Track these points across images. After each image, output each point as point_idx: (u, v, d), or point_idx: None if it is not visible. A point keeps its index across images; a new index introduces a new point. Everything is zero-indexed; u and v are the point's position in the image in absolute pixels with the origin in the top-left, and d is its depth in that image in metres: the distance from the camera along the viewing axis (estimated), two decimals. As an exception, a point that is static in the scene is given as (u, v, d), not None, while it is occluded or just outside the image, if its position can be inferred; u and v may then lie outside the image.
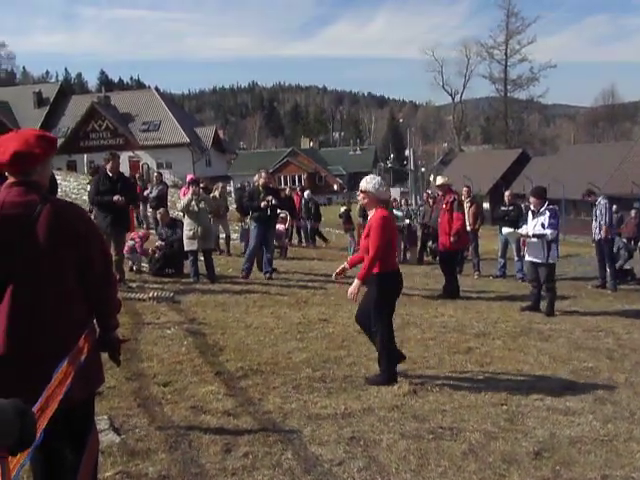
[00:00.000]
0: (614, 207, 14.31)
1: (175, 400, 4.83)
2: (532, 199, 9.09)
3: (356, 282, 5.51)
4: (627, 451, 4.27)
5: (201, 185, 14.40)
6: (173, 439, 4.10)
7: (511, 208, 12.41)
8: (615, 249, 12.27)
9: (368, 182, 5.67)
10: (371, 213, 5.75)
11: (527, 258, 9.24)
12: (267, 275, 11.03)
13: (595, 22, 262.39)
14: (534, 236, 8.80)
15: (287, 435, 4.28)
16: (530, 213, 9.23)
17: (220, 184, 16.74)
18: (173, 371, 5.55)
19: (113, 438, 4.04)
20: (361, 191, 5.69)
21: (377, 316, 5.63)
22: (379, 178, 5.86)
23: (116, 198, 8.83)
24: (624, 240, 13.42)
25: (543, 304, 9.09)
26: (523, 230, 9.10)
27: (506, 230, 9.87)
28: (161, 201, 14.53)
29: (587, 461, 4.08)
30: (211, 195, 15.11)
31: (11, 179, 2.70)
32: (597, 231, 11.64)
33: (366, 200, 5.70)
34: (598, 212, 11.58)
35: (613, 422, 4.76)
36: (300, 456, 3.96)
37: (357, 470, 3.81)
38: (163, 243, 10.92)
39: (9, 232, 2.59)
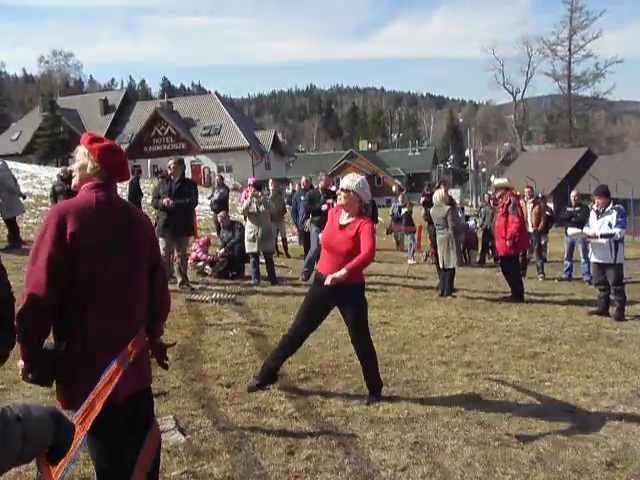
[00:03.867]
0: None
1: (238, 401, 4.88)
2: (597, 198, 8.78)
3: (344, 272, 4.70)
4: None
5: (271, 187, 14.63)
6: (237, 440, 4.13)
7: (577, 209, 12.02)
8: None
9: (352, 180, 5.08)
10: (348, 216, 5.09)
11: (593, 260, 8.93)
12: (327, 277, 11.01)
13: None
14: (602, 236, 8.50)
15: (349, 439, 4.26)
16: (594, 213, 8.92)
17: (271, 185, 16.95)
18: (236, 372, 5.61)
19: (178, 438, 4.11)
20: (342, 189, 5.07)
21: (365, 328, 5.25)
22: (363, 177, 5.25)
23: (166, 201, 9.04)
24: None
25: (612, 308, 8.76)
26: (589, 230, 8.79)
27: (572, 231, 9.56)
28: (222, 204, 14.72)
29: (664, 473, 3.90)
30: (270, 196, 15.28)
31: (101, 184, 2.81)
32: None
33: (346, 200, 5.05)
34: None
35: (691, 433, 4.54)
36: (363, 460, 3.94)
37: (421, 476, 3.76)
38: (225, 249, 11.09)
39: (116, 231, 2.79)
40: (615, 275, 8.65)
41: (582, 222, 10.24)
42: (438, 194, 10.20)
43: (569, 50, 65.82)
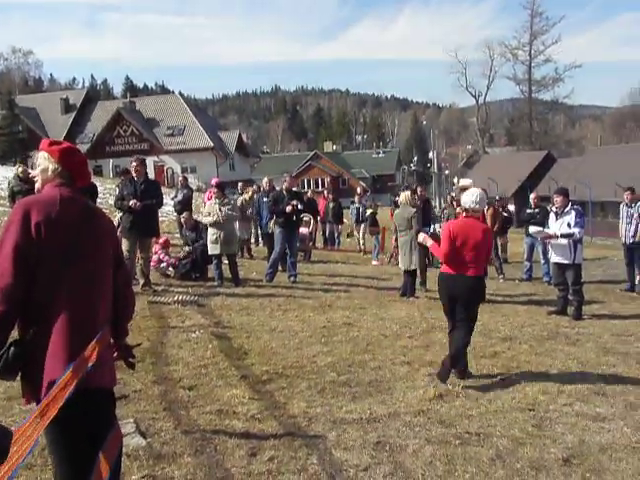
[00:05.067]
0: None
1: (200, 404, 4.85)
2: (556, 199, 8.99)
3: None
4: (659, 458, 4.18)
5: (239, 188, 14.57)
6: (199, 443, 4.11)
7: (537, 210, 12.25)
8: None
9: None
10: None
11: (553, 260, 9.11)
12: (291, 279, 11.03)
13: (623, 21, 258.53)
14: (562, 236, 8.69)
15: (312, 440, 4.26)
16: (553, 214, 9.12)
17: (251, 187, 16.86)
18: (198, 375, 5.57)
19: (139, 442, 4.06)
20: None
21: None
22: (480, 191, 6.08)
23: (132, 202, 8.93)
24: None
25: (570, 308, 8.96)
26: (550, 230, 8.98)
27: (533, 229, 9.72)
28: (186, 205, 14.60)
29: (618, 469, 4.00)
30: (242, 197, 15.23)
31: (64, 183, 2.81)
32: (630, 234, 11.41)
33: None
34: (635, 214, 11.34)
35: (644, 428, 4.66)
36: (325, 461, 3.95)
37: (383, 476, 3.79)
38: (189, 248, 11.00)
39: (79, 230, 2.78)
40: (574, 275, 8.85)
41: (541, 223, 10.44)
42: (404, 196, 10.26)
43: (530, 55, 67.25)
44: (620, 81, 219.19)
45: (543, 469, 3.95)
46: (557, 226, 8.85)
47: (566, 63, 66.81)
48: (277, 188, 12.77)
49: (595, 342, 7.36)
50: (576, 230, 8.66)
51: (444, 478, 3.79)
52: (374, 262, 16.46)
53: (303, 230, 14.73)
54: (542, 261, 12.46)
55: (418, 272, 10.36)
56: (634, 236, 11.38)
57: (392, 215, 14.82)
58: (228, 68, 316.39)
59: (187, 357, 6.09)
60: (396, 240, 10.23)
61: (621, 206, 11.86)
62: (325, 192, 20.30)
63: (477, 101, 74.66)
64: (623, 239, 11.66)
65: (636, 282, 11.55)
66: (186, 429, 4.32)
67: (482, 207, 6.13)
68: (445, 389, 5.42)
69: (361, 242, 18.68)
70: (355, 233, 19.20)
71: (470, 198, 5.94)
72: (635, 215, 11.37)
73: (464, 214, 6.08)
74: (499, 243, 14.11)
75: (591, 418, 4.85)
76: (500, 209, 15.06)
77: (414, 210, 9.99)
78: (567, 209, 8.86)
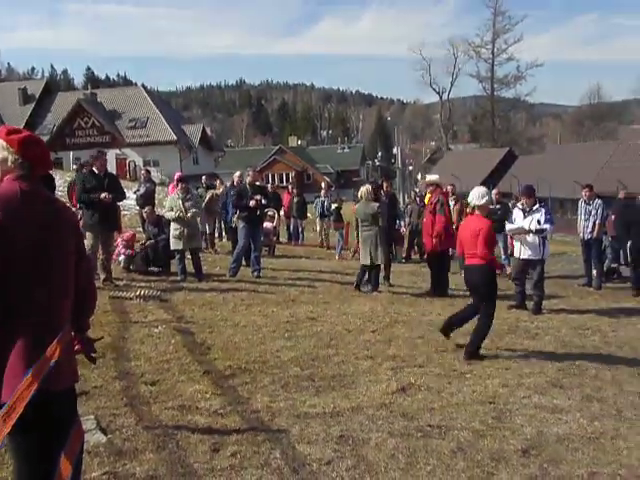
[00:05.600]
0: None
1: (163, 399, 4.81)
2: (524, 198, 9.17)
3: None
4: (614, 448, 4.30)
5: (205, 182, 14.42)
6: (161, 439, 4.07)
7: (498, 207, 12.45)
8: (602, 248, 12.35)
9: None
10: None
11: (523, 256, 9.20)
12: (255, 273, 10.99)
13: (583, 21, 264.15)
14: (536, 231, 8.89)
15: (275, 434, 4.26)
16: (520, 211, 9.26)
17: (222, 184, 16.76)
18: (161, 370, 5.52)
19: (100, 438, 4.01)
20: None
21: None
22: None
23: (104, 195, 8.78)
24: (609, 239, 13.47)
25: (530, 303, 9.14)
26: (525, 225, 9.09)
27: (510, 227, 9.80)
28: (148, 199, 14.40)
29: (575, 459, 4.10)
30: (213, 192, 15.13)
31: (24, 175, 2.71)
32: (587, 230, 11.68)
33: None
34: (593, 211, 11.61)
35: (600, 420, 4.79)
36: (288, 455, 3.95)
37: (346, 469, 3.80)
38: (149, 243, 10.87)
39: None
40: (540, 270, 9.07)
41: (502, 220, 10.62)
42: (364, 190, 10.24)
43: (492, 53, 68.06)
44: (579, 81, 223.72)
45: (503, 460, 4.02)
46: (527, 223, 9.03)
47: (528, 62, 67.82)
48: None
49: (554, 336, 7.52)
50: (547, 226, 8.92)
51: (406, 471, 3.82)
52: (337, 257, 16.52)
53: (267, 225, 14.69)
54: (503, 257, 12.66)
55: (382, 266, 10.43)
56: (592, 232, 11.65)
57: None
58: (192, 60, 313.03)
59: (149, 352, 6.03)
60: (357, 236, 10.22)
61: (580, 203, 12.13)
62: (290, 187, 20.26)
63: (441, 98, 75.37)
64: (581, 235, 11.93)
65: (593, 277, 11.83)
66: (148, 425, 4.28)
67: (487, 202, 6.77)
68: (407, 383, 5.47)
69: (323, 237, 18.68)
70: (318, 228, 19.18)
71: (474, 195, 6.68)
72: (593, 212, 11.64)
73: (469, 210, 6.87)
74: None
75: (549, 410, 4.95)
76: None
77: (377, 205, 10.02)
78: (535, 207, 9.08)
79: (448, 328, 6.77)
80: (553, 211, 31.98)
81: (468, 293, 10.40)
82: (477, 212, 6.69)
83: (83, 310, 2.91)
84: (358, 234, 10.07)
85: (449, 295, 10.04)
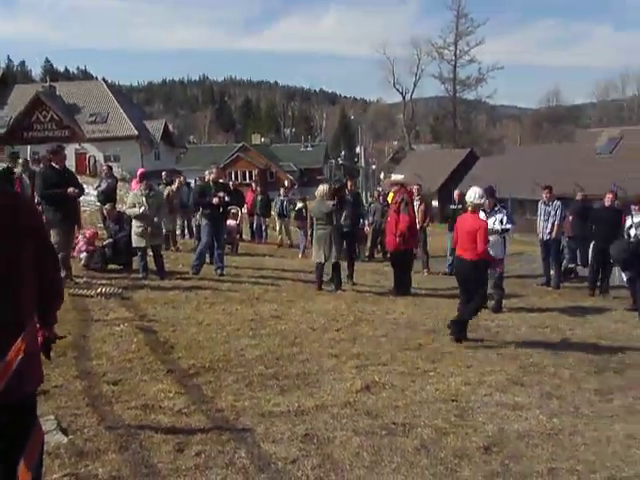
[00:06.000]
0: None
1: (125, 399, 4.74)
2: (487, 199, 9.29)
3: None
4: (572, 444, 4.40)
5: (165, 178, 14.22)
6: (123, 439, 4.01)
7: (460, 207, 12.60)
8: (560, 248, 12.62)
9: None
10: None
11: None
12: (218, 271, 10.92)
13: (543, 26, 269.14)
14: (502, 231, 9.06)
15: (240, 433, 4.24)
16: (482, 213, 9.39)
17: (180, 177, 16.54)
18: (123, 369, 5.44)
19: (60, 439, 3.93)
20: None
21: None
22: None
23: (71, 190, 8.62)
24: (567, 239, 13.80)
25: (490, 302, 9.28)
26: (489, 226, 9.22)
27: None
28: (109, 196, 14.16)
29: (534, 455, 4.19)
30: (169, 188, 14.92)
31: None
32: (546, 231, 11.91)
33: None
34: (553, 212, 11.85)
35: (559, 416, 4.90)
36: (253, 455, 3.94)
37: (311, 468, 3.81)
38: (111, 240, 10.70)
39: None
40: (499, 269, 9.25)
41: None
42: (322, 189, 10.22)
43: (455, 55, 68.85)
44: (538, 84, 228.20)
45: (465, 457, 4.08)
46: (490, 224, 9.17)
47: (489, 64, 68.82)
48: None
49: (514, 334, 7.66)
50: (509, 226, 9.13)
51: (371, 469, 3.85)
52: (301, 255, 16.53)
53: (230, 222, 14.61)
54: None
55: (346, 265, 10.47)
56: (550, 233, 11.90)
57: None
58: (154, 54, 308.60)
59: (111, 351, 5.94)
60: (312, 234, 10.21)
61: (539, 204, 12.36)
62: (253, 185, 20.16)
63: (404, 98, 75.95)
64: (540, 235, 12.17)
65: (552, 277, 12.09)
66: (110, 425, 4.21)
67: (484, 202, 7.59)
68: (372, 380, 5.51)
69: (284, 236, 18.53)
70: (277, 227, 19.00)
71: (472, 195, 7.35)
72: (552, 213, 11.89)
73: (469, 209, 7.44)
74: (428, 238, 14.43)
75: (510, 407, 5.04)
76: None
77: (332, 204, 10.03)
78: (497, 207, 9.27)
79: (459, 332, 7.09)
80: (513, 212, 32.52)
81: (428, 292, 10.57)
82: (473, 211, 7.38)
83: (48, 304, 2.84)
84: (313, 232, 10.06)
85: (412, 294, 10.14)
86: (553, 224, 11.89)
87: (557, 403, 5.22)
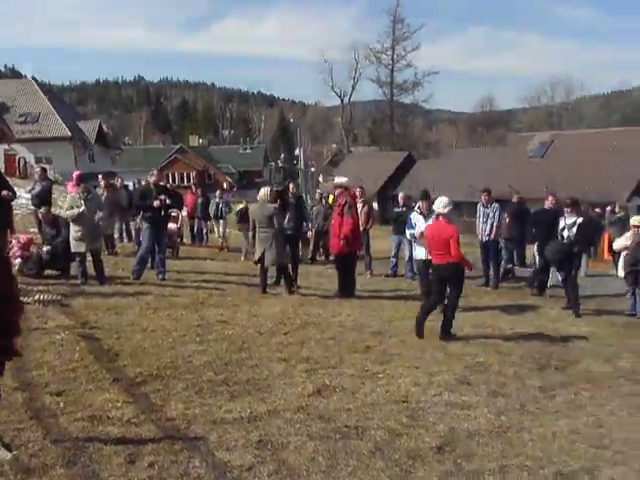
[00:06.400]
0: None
1: (71, 410, 4.57)
2: (425, 202, 9.43)
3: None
4: (520, 441, 4.52)
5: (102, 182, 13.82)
6: (71, 452, 3.87)
7: (404, 209, 12.77)
8: (498, 249, 12.95)
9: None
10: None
11: (423, 257, 9.46)
12: (160, 276, 10.71)
13: (476, 33, 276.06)
14: None
15: (193, 442, 4.16)
16: (420, 216, 9.53)
17: (118, 180, 16.14)
18: (66, 379, 5.25)
19: (3, 455, 3.76)
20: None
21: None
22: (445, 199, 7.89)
23: (5, 193, 8.29)
24: (504, 240, 14.16)
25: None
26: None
27: (414, 231, 9.92)
28: (44, 199, 13.64)
29: (485, 453, 4.28)
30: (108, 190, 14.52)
31: None
32: (485, 232, 12.20)
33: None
34: (491, 214, 12.14)
35: (506, 414, 5.03)
36: (208, 463, 3.87)
37: (267, 474, 3.78)
38: (49, 246, 10.32)
39: None
40: None
41: (405, 222, 10.88)
42: (265, 192, 10.17)
43: (392, 59, 69.72)
44: (473, 89, 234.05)
45: (419, 458, 4.13)
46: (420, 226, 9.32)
47: (425, 69, 70.05)
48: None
49: (460, 334, 7.79)
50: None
51: (327, 473, 3.84)
52: (243, 258, 16.40)
53: (171, 225, 14.34)
54: (407, 258, 13.00)
55: (290, 269, 10.43)
56: (489, 234, 12.20)
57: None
58: (87, 54, 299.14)
59: (53, 361, 5.72)
60: (253, 237, 10.14)
61: (478, 206, 12.66)
62: (193, 187, 19.84)
63: (342, 101, 76.41)
64: (480, 237, 12.45)
65: (491, 277, 12.40)
66: (56, 438, 4.05)
67: (450, 211, 7.89)
68: (323, 384, 5.50)
69: (222, 239, 18.20)
70: (215, 229, 18.60)
71: (439, 204, 7.88)
72: (491, 215, 12.20)
73: (436, 217, 8.02)
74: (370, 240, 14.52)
75: (459, 407, 5.14)
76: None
77: (274, 207, 10.00)
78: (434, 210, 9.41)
79: (421, 328, 7.60)
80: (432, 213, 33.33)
81: (373, 294, 10.66)
82: (442, 219, 7.88)
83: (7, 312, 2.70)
84: (255, 235, 10.00)
85: (356, 296, 10.20)
86: (492, 226, 12.19)
87: (503, 401, 5.35)
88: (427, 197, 9.59)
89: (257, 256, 9.95)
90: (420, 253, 9.49)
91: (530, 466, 4.12)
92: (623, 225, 15.15)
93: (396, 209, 13.09)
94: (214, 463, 3.87)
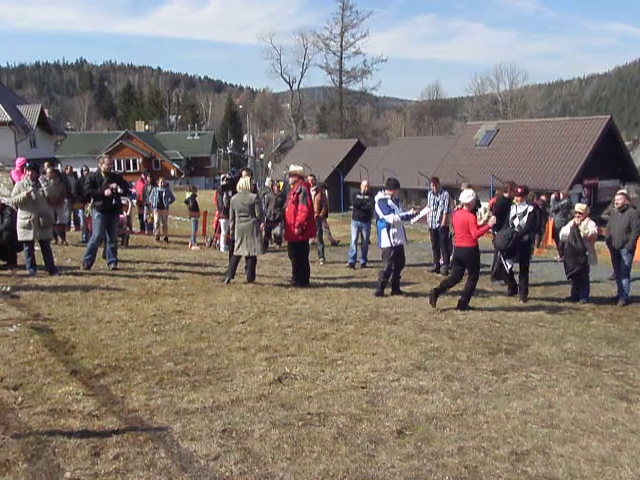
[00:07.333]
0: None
1: (30, 404, 4.50)
2: (389, 190, 9.61)
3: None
4: (476, 423, 4.69)
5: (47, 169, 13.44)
6: (33, 447, 3.82)
7: (367, 197, 12.90)
8: (448, 236, 13.23)
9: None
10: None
11: (400, 242, 9.69)
12: (112, 265, 10.54)
13: (423, 21, 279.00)
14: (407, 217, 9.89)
15: (157, 433, 4.17)
16: (392, 202, 9.68)
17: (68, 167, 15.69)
18: (23, 373, 5.15)
19: (-38, 451, 3.69)
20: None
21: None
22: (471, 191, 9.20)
23: None
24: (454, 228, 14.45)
25: (388, 289, 9.67)
26: (395, 216, 9.54)
27: (393, 217, 10.03)
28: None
29: (444, 435, 4.42)
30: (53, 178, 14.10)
31: None
32: (436, 220, 12.45)
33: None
34: (441, 202, 12.38)
35: (461, 397, 5.20)
36: (174, 454, 3.88)
37: (234, 463, 3.82)
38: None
39: None
40: (403, 256, 9.95)
41: (370, 210, 11.02)
42: (245, 182, 10.11)
43: (341, 46, 69.93)
44: (420, 77, 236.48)
45: (381, 442, 4.24)
46: (396, 215, 9.55)
47: (374, 56, 70.61)
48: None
49: (412, 320, 7.98)
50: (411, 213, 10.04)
51: (293, 460, 3.91)
52: (194, 247, 16.28)
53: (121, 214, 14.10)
54: (365, 244, 13.15)
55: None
56: (440, 222, 12.46)
57: (216, 200, 14.73)
58: (25, 35, 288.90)
59: (7, 354, 5.60)
60: (233, 227, 10.01)
61: (429, 194, 12.90)
62: (143, 174, 19.49)
63: (291, 87, 76.20)
64: (430, 225, 12.70)
65: (441, 264, 12.66)
66: (17, 433, 3.99)
67: (472, 201, 9.06)
68: (283, 372, 5.56)
69: (160, 228, 17.66)
70: (155, 217, 18.05)
71: (464, 196, 9.06)
72: (441, 203, 12.45)
73: (459, 207, 9.27)
74: (322, 227, 14.63)
75: (416, 391, 5.28)
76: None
77: (255, 196, 9.99)
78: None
79: (435, 297, 8.86)
80: (400, 201, 33.80)
81: (327, 282, 10.78)
82: (465, 208, 9.00)
83: None
84: (234, 225, 9.91)
85: (311, 284, 10.28)
86: (442, 213, 12.45)
87: (458, 385, 5.53)
88: (395, 185, 9.78)
89: (236, 245, 9.88)
90: (385, 241, 9.62)
91: (486, 447, 4.28)
92: (566, 212, 15.69)
93: (358, 196, 13.17)
94: (180, 453, 3.89)
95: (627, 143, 46.20)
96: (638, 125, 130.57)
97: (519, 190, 10.15)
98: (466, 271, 9.08)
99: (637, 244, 10.50)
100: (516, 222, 9.93)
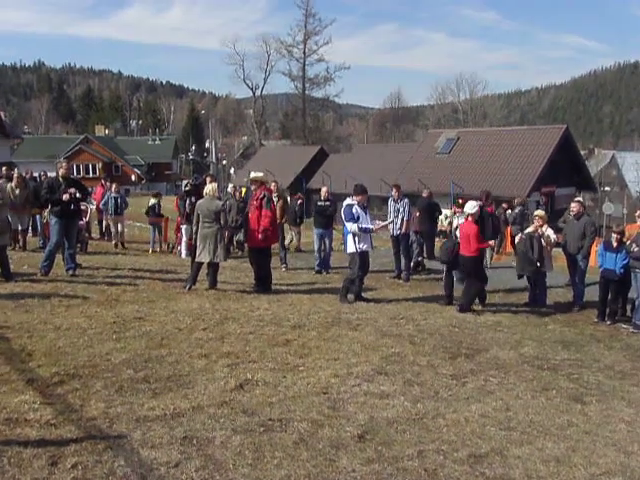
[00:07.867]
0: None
1: (-16, 414, 4.40)
2: (357, 196, 9.65)
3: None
4: (436, 427, 4.77)
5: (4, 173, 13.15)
6: (-12, 457, 3.74)
7: (328, 203, 12.94)
8: (409, 242, 13.37)
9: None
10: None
11: (365, 249, 9.72)
12: (70, 272, 10.37)
13: (385, 30, 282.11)
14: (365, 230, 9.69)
15: (116, 441, 4.12)
16: (360, 208, 9.72)
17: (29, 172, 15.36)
18: (-23, 382, 5.03)
19: None
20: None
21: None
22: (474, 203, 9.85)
23: None
24: (415, 234, 14.60)
25: (350, 295, 9.72)
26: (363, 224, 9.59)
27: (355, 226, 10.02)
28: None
29: (404, 439, 4.48)
30: (11, 184, 13.79)
31: None
32: (397, 226, 12.56)
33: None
34: (402, 209, 12.51)
35: (422, 402, 5.27)
36: (133, 462, 3.85)
37: (195, 470, 3.80)
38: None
39: None
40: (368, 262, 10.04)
41: (332, 216, 11.07)
42: (212, 188, 10.06)
43: (304, 53, 70.15)
44: (382, 85, 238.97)
45: (342, 447, 4.28)
46: (365, 219, 9.58)
47: (337, 64, 71.01)
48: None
49: (373, 326, 8.04)
50: (371, 226, 9.91)
51: (254, 466, 3.91)
52: (151, 251, 16.18)
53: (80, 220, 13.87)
54: (328, 251, 13.20)
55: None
56: (400, 228, 12.58)
57: (177, 206, 14.63)
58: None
59: (-40, 363, 5.46)
60: (196, 232, 9.91)
61: (389, 201, 13.02)
62: (103, 180, 19.20)
63: (254, 93, 76.07)
64: (391, 231, 12.81)
65: (402, 270, 12.78)
66: (-30, 443, 3.91)
67: (477, 212, 9.65)
68: (244, 378, 5.55)
69: (116, 236, 17.29)
70: (111, 225, 17.72)
71: (469, 207, 9.72)
72: (401, 209, 12.58)
73: (466, 217, 9.79)
74: (294, 233, 14.64)
75: (377, 396, 5.34)
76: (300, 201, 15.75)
77: (222, 203, 9.96)
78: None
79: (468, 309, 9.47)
80: (368, 207, 33.99)
81: (289, 288, 10.81)
82: (470, 218, 9.59)
83: None
84: (197, 230, 9.83)
85: (274, 290, 10.28)
86: (402, 220, 12.58)
87: (419, 389, 5.60)
88: (363, 190, 9.85)
89: (199, 251, 9.79)
90: (351, 246, 9.66)
91: (446, 450, 4.35)
92: (522, 220, 16.01)
93: (319, 203, 13.22)
94: (140, 461, 3.86)
95: (582, 152, 47.53)
96: (593, 135, 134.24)
97: (460, 201, 10.42)
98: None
99: (592, 250, 10.78)
100: (458, 233, 10.10)
